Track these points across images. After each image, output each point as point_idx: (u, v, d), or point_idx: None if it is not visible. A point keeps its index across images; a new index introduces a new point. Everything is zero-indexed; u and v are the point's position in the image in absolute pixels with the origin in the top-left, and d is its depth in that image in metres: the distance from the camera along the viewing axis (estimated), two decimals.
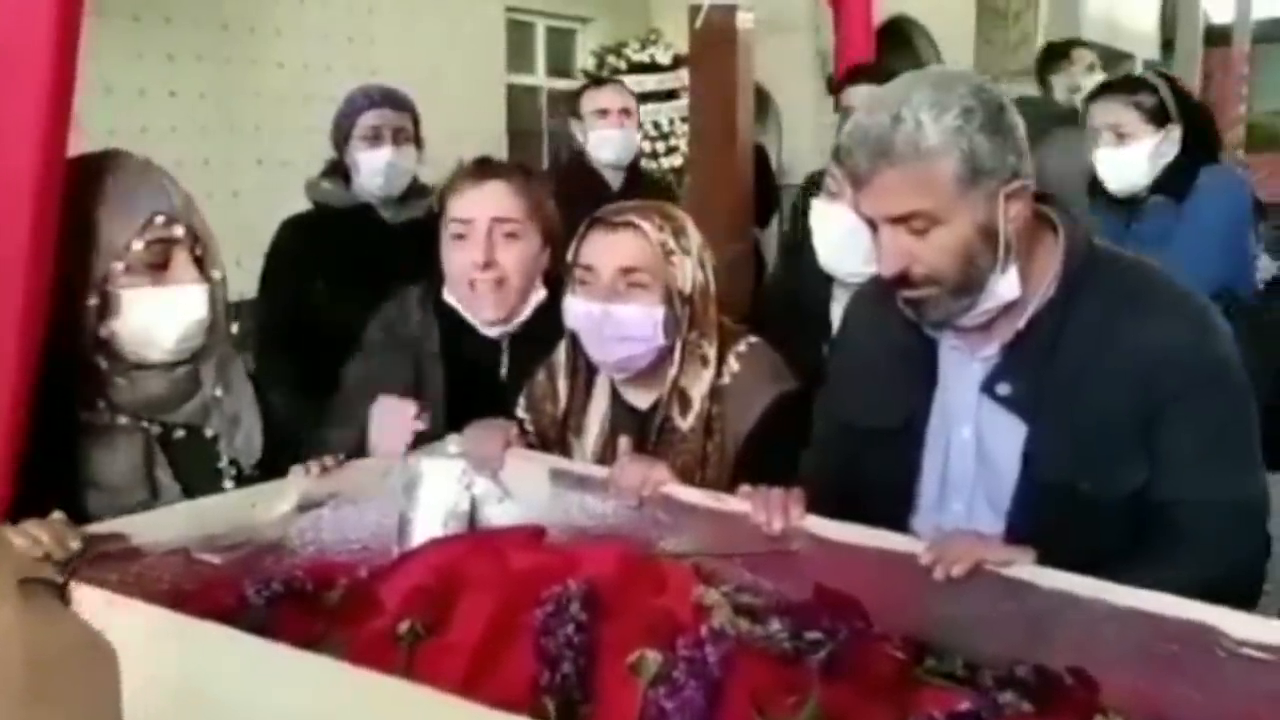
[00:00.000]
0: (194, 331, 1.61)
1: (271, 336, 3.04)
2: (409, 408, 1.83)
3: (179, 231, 1.59)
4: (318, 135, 3.13)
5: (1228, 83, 17.12)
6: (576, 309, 1.85)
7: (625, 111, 3.95)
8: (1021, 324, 1.55)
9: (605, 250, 1.82)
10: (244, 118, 6.40)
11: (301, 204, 3.13)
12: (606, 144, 3.90)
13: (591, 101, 3.94)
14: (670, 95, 8.61)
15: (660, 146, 8.89)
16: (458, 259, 2.06)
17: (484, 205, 2.05)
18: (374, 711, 1.07)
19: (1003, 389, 1.56)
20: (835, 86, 3.72)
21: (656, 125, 8.87)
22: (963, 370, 1.61)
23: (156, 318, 1.58)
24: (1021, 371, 1.55)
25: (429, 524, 1.77)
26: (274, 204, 3.16)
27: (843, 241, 2.15)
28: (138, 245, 1.55)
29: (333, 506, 1.73)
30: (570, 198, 2.40)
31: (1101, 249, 1.61)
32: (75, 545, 1.36)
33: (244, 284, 2.94)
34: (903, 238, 1.50)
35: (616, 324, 1.80)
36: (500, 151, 7.67)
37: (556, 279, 2.03)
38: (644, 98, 8.84)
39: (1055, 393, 1.52)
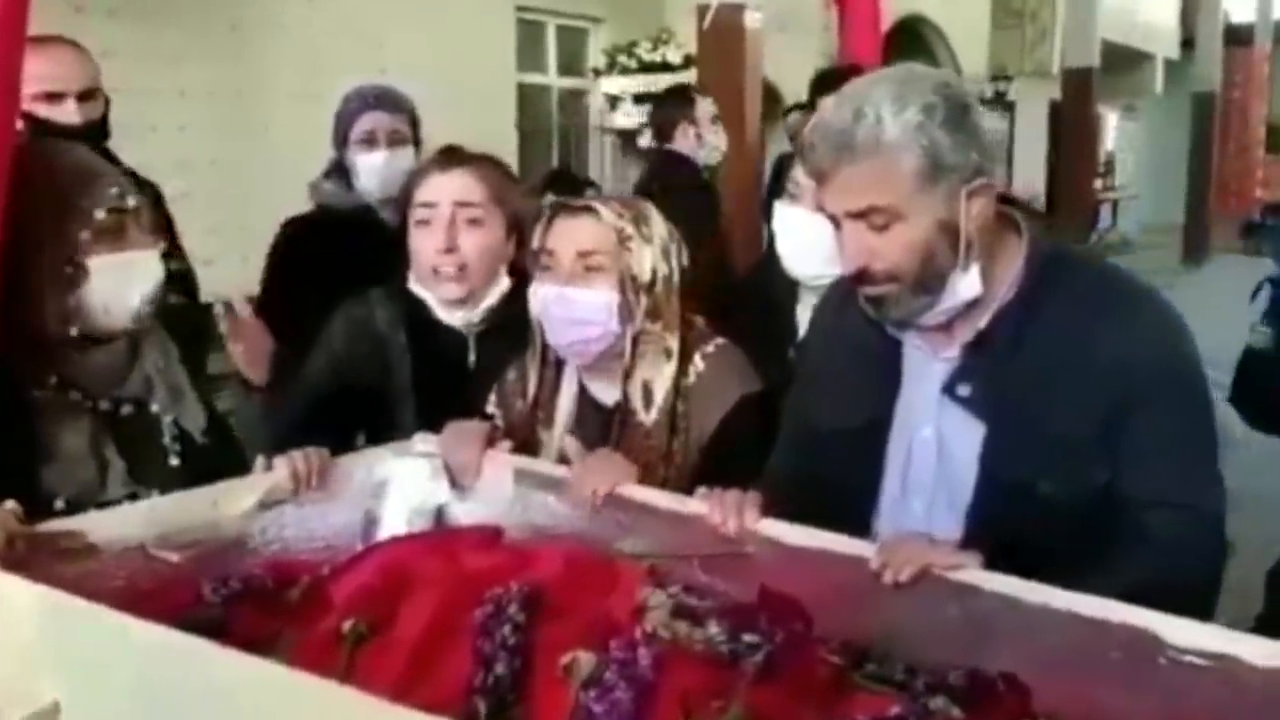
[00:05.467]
0: (154, 295, 1.69)
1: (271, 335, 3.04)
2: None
3: (132, 202, 1.68)
4: (327, 135, 3.13)
5: (1249, 83, 17.05)
6: (537, 293, 1.87)
7: None
8: (983, 324, 1.54)
9: (565, 235, 1.85)
10: (253, 117, 6.43)
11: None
12: (718, 150, 4.21)
13: (710, 109, 4.22)
14: None
15: None
16: (421, 244, 2.08)
17: (448, 190, 2.07)
18: (296, 712, 1.07)
19: (963, 390, 1.54)
20: (810, 94, 3.71)
21: None
22: (925, 371, 1.59)
23: (120, 283, 1.66)
24: (982, 372, 1.53)
25: (394, 522, 1.76)
26: (283, 203, 3.16)
27: (804, 244, 2.15)
28: (100, 214, 1.63)
29: (297, 504, 1.72)
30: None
31: (1065, 250, 1.60)
32: (20, 546, 1.38)
33: (252, 282, 2.97)
34: (863, 234, 1.49)
35: (571, 306, 1.82)
36: (511, 151, 7.68)
37: (524, 269, 2.03)
38: (655, 97, 8.90)
39: (1016, 394, 1.50)
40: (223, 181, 6.07)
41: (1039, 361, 1.50)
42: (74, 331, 1.64)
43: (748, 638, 1.16)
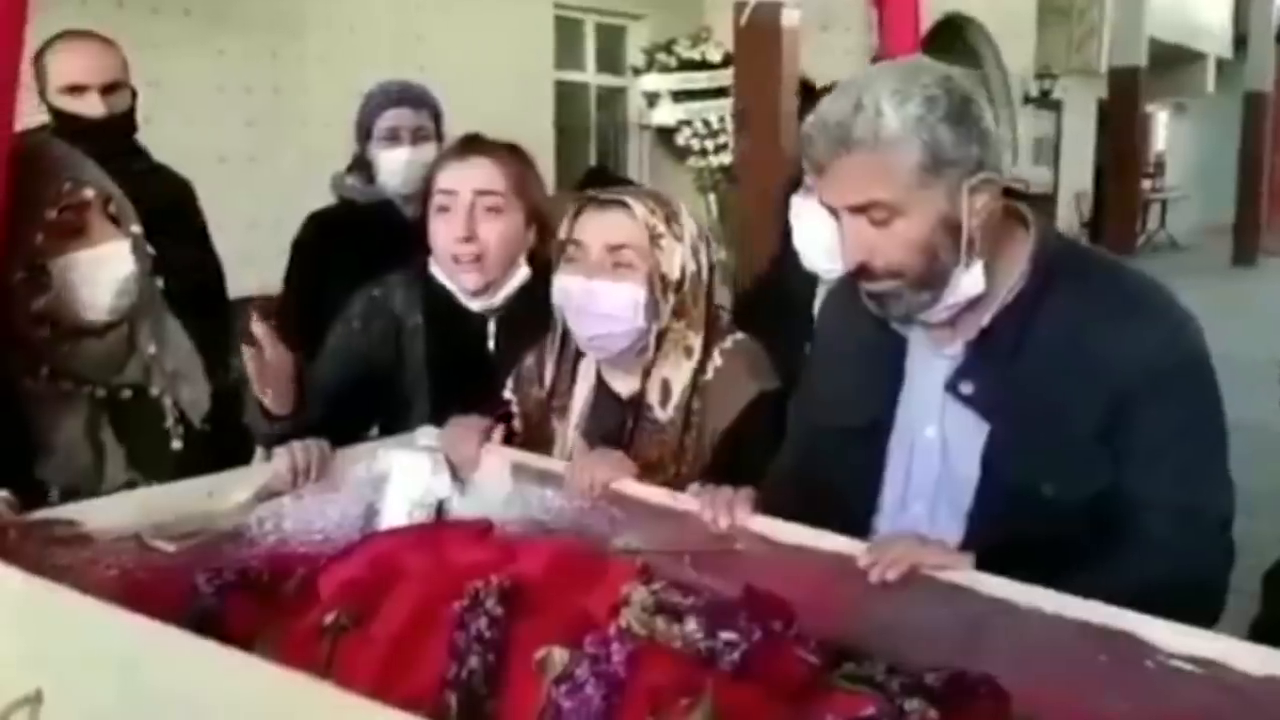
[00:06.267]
0: (127, 287, 1.65)
1: (292, 329, 3.05)
2: None
3: (89, 193, 1.63)
4: None
5: None
6: (562, 284, 1.85)
7: None
8: (986, 321, 1.50)
9: (595, 227, 1.82)
10: (290, 112, 6.48)
11: None
12: None
13: None
14: (720, 93, 8.60)
15: (710, 144, 8.88)
16: (441, 231, 2.08)
17: (467, 178, 2.06)
18: (274, 706, 1.06)
19: (965, 387, 1.51)
20: None
21: (706, 123, 8.86)
22: (929, 368, 1.56)
23: (87, 281, 1.62)
24: (985, 370, 1.50)
25: (394, 515, 1.77)
26: (320, 200, 3.19)
27: (819, 236, 2.11)
28: (52, 214, 1.59)
29: (296, 496, 1.72)
30: None
31: (1074, 246, 1.56)
32: (12, 535, 1.39)
33: None
34: (864, 228, 1.46)
35: (598, 300, 1.80)
36: (549, 148, 7.69)
37: (544, 259, 2.02)
38: (694, 95, 8.89)
39: (1019, 392, 1.47)
40: (261, 177, 6.13)
41: (1043, 359, 1.46)
42: (47, 332, 1.62)
43: (725, 635, 1.14)
